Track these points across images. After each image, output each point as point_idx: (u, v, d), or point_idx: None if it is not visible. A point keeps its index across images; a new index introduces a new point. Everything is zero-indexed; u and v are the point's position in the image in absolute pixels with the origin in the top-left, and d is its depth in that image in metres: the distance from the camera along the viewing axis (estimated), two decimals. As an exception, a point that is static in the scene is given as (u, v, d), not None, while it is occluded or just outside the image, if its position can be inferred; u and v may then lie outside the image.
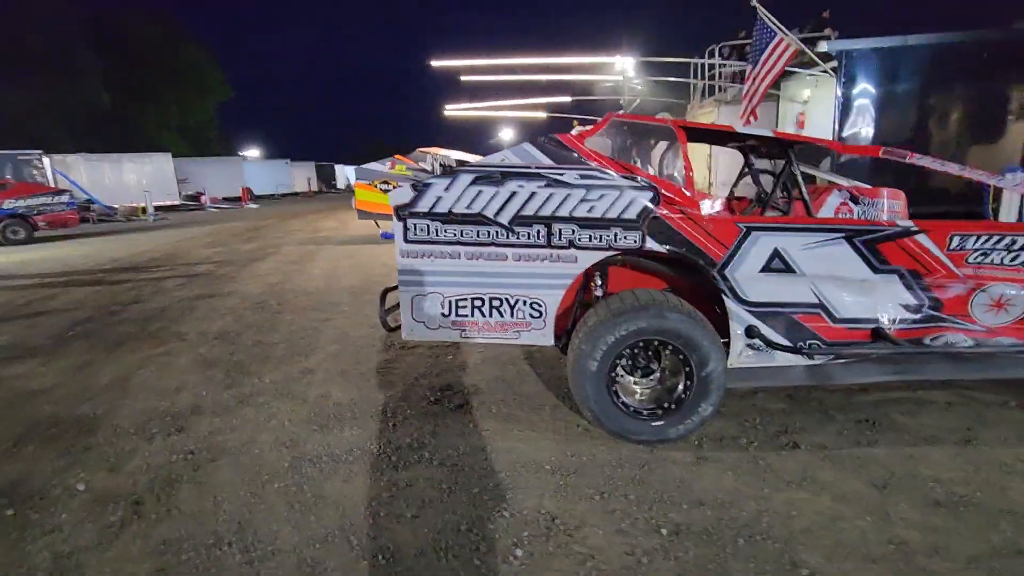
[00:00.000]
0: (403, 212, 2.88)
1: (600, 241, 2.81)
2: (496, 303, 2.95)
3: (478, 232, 2.86)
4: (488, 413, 3.25)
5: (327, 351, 4.54)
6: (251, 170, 37.08)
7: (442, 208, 2.85)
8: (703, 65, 13.37)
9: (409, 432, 3.06)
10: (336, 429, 3.13)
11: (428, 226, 2.88)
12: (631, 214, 2.77)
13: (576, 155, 2.82)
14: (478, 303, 2.96)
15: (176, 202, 25.80)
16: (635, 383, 2.91)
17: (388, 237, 11.15)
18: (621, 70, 25.51)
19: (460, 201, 2.85)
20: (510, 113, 17.83)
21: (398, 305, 3.17)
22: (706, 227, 2.78)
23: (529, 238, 2.84)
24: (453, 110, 16.43)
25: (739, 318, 2.85)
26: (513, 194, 2.81)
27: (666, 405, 2.74)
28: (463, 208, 2.85)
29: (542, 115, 18.02)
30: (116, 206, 21.75)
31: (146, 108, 37.19)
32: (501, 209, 2.83)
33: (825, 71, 8.90)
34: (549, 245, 2.84)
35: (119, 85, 34.84)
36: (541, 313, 2.93)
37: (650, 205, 2.76)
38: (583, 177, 2.78)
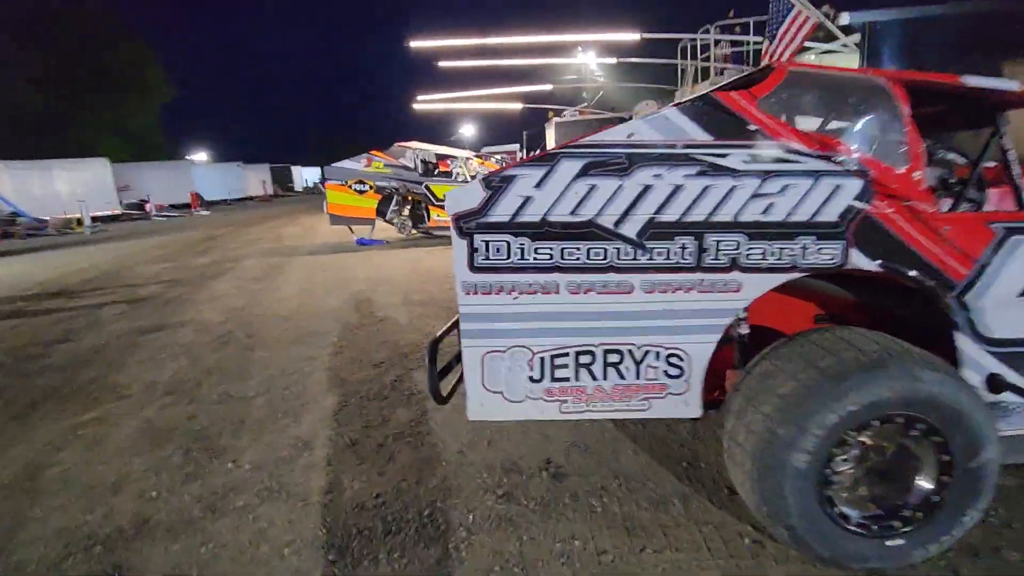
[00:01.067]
0: (468, 223, 1.83)
1: (779, 259, 1.81)
2: (614, 358, 1.92)
3: (589, 251, 1.84)
4: (591, 515, 2.21)
5: (322, 407, 3.40)
6: (200, 174, 34.66)
7: (533, 215, 1.81)
8: (694, 46, 12.61)
9: (484, 560, 1.99)
10: (368, 560, 2.03)
11: (509, 244, 1.83)
12: (831, 215, 1.78)
13: (747, 124, 1.80)
14: (586, 359, 1.93)
15: (117, 211, 23.57)
16: (852, 480, 1.88)
17: (364, 244, 9.94)
18: (584, 61, 24.77)
19: (561, 203, 1.81)
20: (484, 105, 16.74)
21: (452, 364, 2.13)
22: (942, 231, 1.81)
23: (669, 258, 1.83)
24: (425, 101, 15.21)
25: (976, 363, 1.91)
26: (646, 189, 1.79)
27: (908, 514, 1.76)
28: (566, 214, 1.82)
29: (518, 106, 16.98)
30: (47, 218, 19.54)
31: (80, 111, 34.25)
32: (626, 214, 1.81)
33: (846, 45, 8.21)
34: (699, 267, 1.83)
35: (50, 86, 31.93)
36: (682, 371, 1.92)
37: (857, 201, 1.78)
38: (755, 160, 1.77)
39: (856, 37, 7.95)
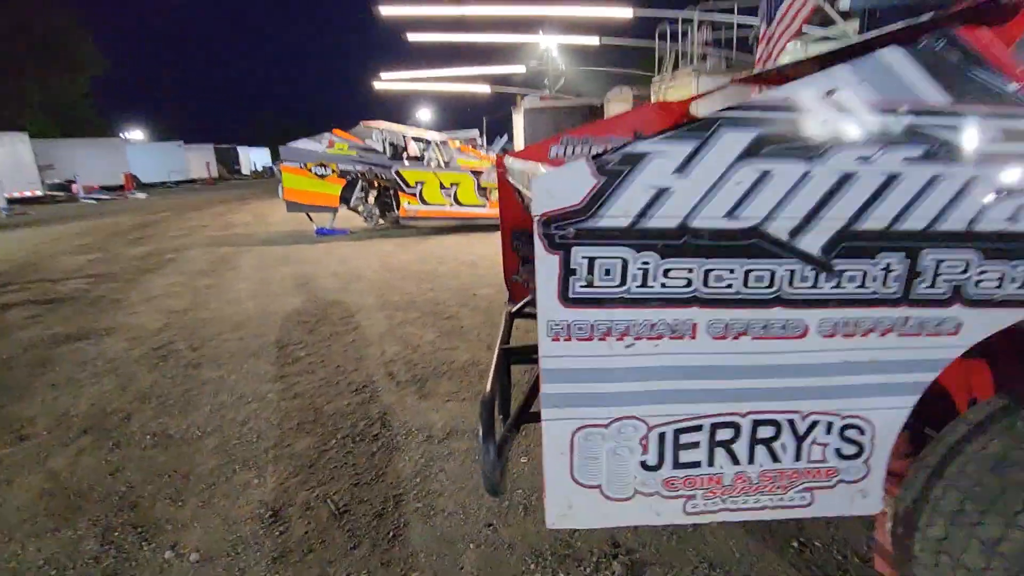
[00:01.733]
0: (564, 229, 1.15)
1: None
2: (767, 433, 1.29)
3: (748, 274, 1.19)
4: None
5: (294, 453, 2.64)
6: (136, 154, 32.11)
7: (668, 217, 1.15)
8: (673, 31, 12.13)
9: None
10: None
11: (626, 263, 1.17)
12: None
13: (1000, 79, 1.17)
14: (726, 435, 1.29)
15: (38, 193, 21.35)
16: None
17: (325, 234, 9.01)
18: (546, 48, 24.11)
19: (714, 198, 1.16)
20: (451, 87, 15.82)
21: (505, 438, 1.46)
22: None
23: (865, 285, 1.20)
24: (389, 80, 14.17)
25: None
26: (845, 179, 1.15)
27: None
28: (719, 216, 1.16)
29: (486, 89, 16.16)
30: (-46, 199, 17.38)
31: (2, 83, 30.90)
32: (811, 219, 1.16)
33: (846, 32, 7.85)
34: (906, 300, 1.21)
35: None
36: (861, 448, 1.31)
37: None
38: (1009, 137, 1.16)
39: (855, 25, 7.59)
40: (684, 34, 12.01)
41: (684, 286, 1.19)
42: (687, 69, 11.51)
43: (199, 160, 36.74)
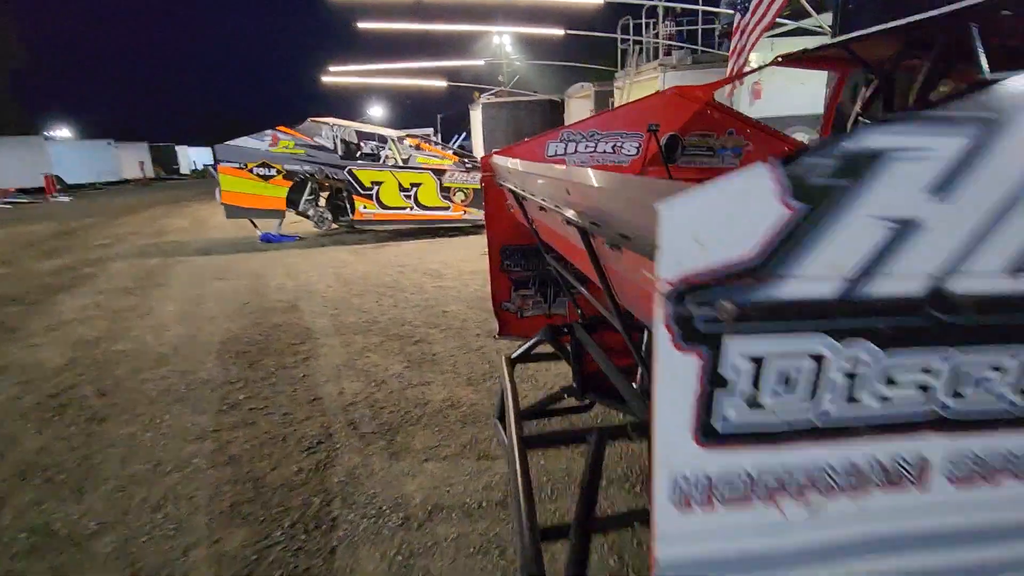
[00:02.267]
0: (717, 308, 0.54)
1: None
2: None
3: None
4: None
5: (226, 555, 1.98)
6: (60, 153, 29.57)
7: (911, 274, 0.57)
8: (636, 24, 11.78)
9: None
10: None
11: (824, 363, 0.58)
12: None
13: None
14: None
15: (-56, 197, 19.22)
16: None
17: (271, 240, 8.16)
18: (499, 43, 23.57)
19: (993, 240, 0.58)
20: (405, 81, 15.03)
21: None
22: None
23: None
24: (338, 73, 13.25)
25: None
26: None
27: None
28: (996, 271, 0.59)
29: (442, 84, 15.46)
30: None
31: None
32: None
33: (820, 27, 7.64)
34: None
35: None
36: None
37: None
38: None
39: (828, 17, 7.38)
40: (648, 27, 11.68)
41: (916, 397, 0.64)
42: (653, 64, 11.18)
43: (132, 159, 34.31)
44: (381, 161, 8.15)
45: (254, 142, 7.54)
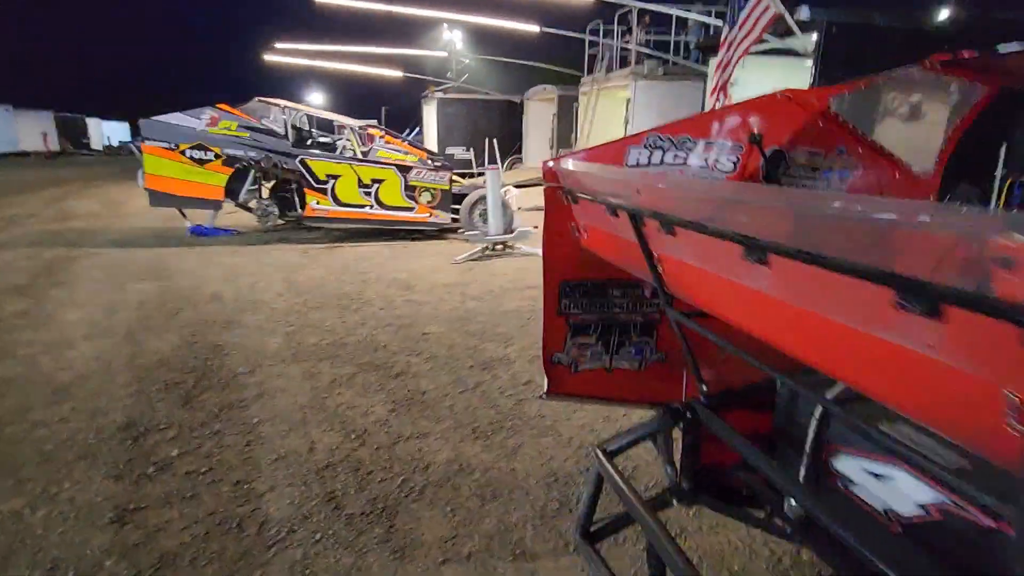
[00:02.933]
0: None
1: None
2: None
3: None
4: None
5: None
6: (-58, 116, 25.98)
7: None
8: (608, 30, 11.47)
9: None
10: None
11: None
12: None
13: None
14: None
15: None
16: None
17: (203, 234, 7.13)
18: (449, 39, 22.84)
19: None
20: (354, 67, 14.01)
21: None
22: None
23: None
24: (284, 51, 12.04)
25: None
26: None
27: None
28: None
29: (397, 74, 14.56)
30: None
31: None
32: None
33: (791, 51, 7.56)
34: None
35: None
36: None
37: None
38: None
39: (813, 37, 7.28)
40: (619, 33, 11.39)
41: None
42: (624, 71, 10.89)
43: (34, 129, 30.61)
44: (339, 151, 7.29)
45: (189, 120, 6.48)
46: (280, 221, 7.52)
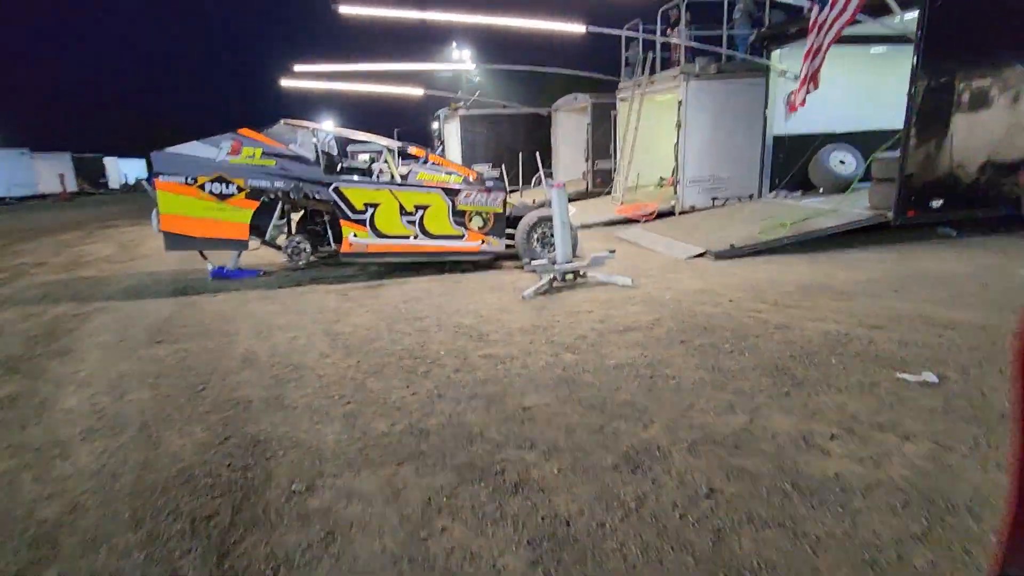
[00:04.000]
0: None
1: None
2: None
3: None
4: None
5: None
6: (-38, 163, 25.98)
7: None
8: (649, 28, 10.57)
9: None
10: None
11: None
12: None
13: None
14: None
15: None
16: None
17: (226, 277, 6.28)
18: (461, 53, 22.20)
19: None
20: (372, 88, 13.28)
21: None
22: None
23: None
24: (303, 75, 11.33)
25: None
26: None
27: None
28: None
29: (418, 92, 13.81)
30: None
31: None
32: None
33: (889, 38, 6.56)
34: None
35: None
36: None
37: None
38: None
39: (914, 15, 6.27)
40: (664, 31, 10.47)
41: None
42: (672, 72, 9.95)
43: (51, 171, 30.55)
44: (375, 176, 6.41)
45: (207, 149, 5.65)
46: (312, 258, 6.63)
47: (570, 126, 15.24)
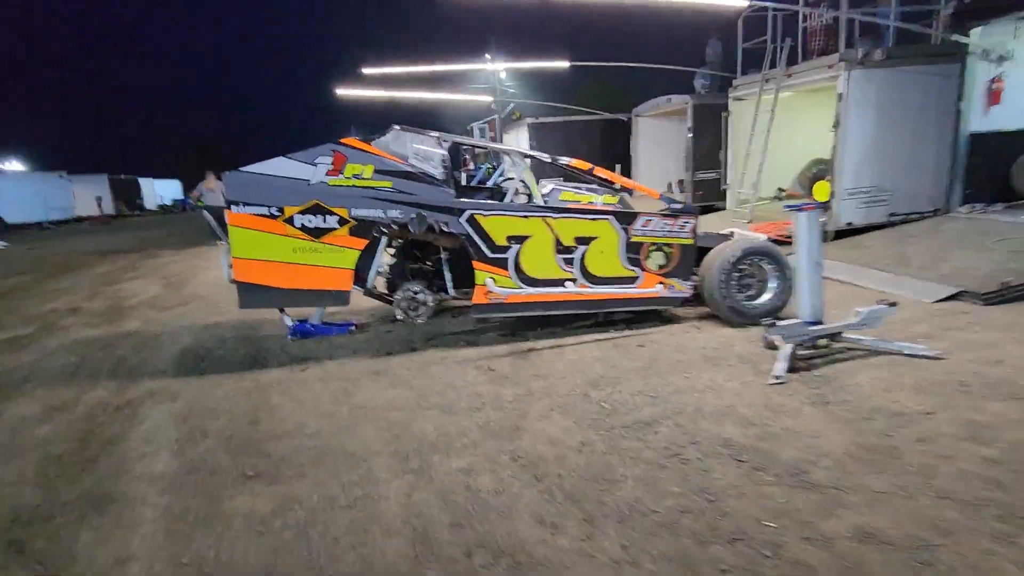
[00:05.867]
0: None
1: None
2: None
3: None
4: None
5: None
6: (2, 188, 25.45)
7: None
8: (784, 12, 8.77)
9: None
10: None
11: None
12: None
13: None
14: None
15: None
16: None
17: (310, 333, 4.65)
18: (493, 71, 20.68)
19: None
20: (433, 96, 11.72)
21: None
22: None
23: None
24: (366, 82, 9.78)
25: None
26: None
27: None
28: None
29: (487, 99, 12.21)
30: None
31: None
32: None
33: None
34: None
35: None
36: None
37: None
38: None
39: None
40: (808, 19, 8.67)
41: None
42: (829, 58, 8.10)
43: (89, 194, 30.01)
44: (507, 198, 4.73)
45: (298, 167, 4.02)
46: (430, 306, 4.90)
47: (655, 133, 13.48)
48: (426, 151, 4.29)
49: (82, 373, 4.45)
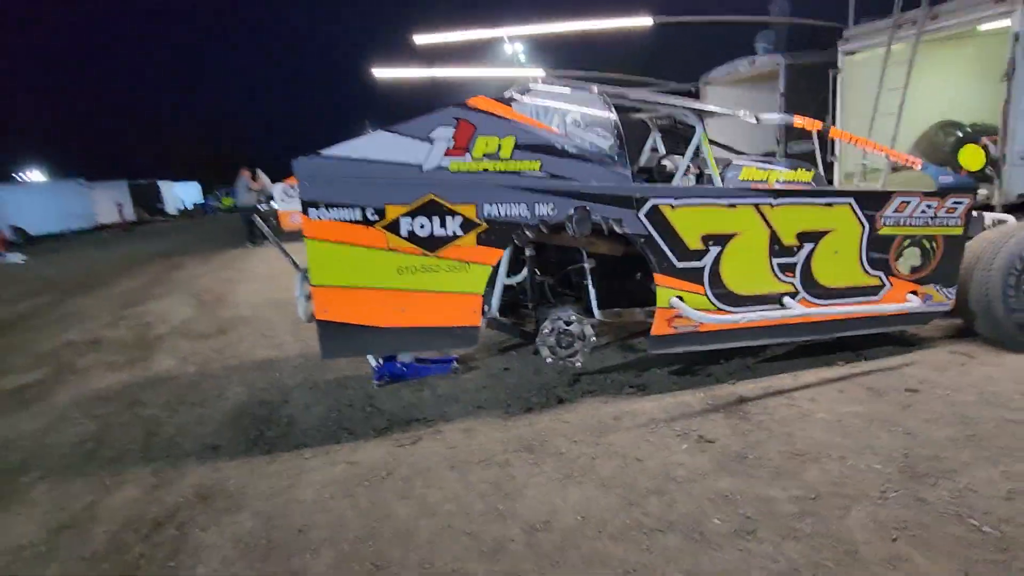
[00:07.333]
0: None
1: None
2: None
3: None
4: None
5: None
6: (18, 199, 24.71)
7: None
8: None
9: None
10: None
11: None
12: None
13: None
14: None
15: None
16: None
17: (400, 375, 3.26)
18: (513, 51, 19.05)
19: None
20: (491, 72, 10.30)
21: None
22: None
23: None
24: (424, 42, 8.35)
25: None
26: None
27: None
28: None
29: (540, 72, 10.71)
30: None
31: None
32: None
33: None
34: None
35: None
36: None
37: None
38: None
39: None
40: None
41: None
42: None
43: (109, 200, 29.17)
44: (694, 181, 3.34)
45: (407, 146, 2.65)
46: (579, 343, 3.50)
47: (729, 101, 11.89)
48: (591, 114, 2.89)
49: (103, 453, 3.19)
